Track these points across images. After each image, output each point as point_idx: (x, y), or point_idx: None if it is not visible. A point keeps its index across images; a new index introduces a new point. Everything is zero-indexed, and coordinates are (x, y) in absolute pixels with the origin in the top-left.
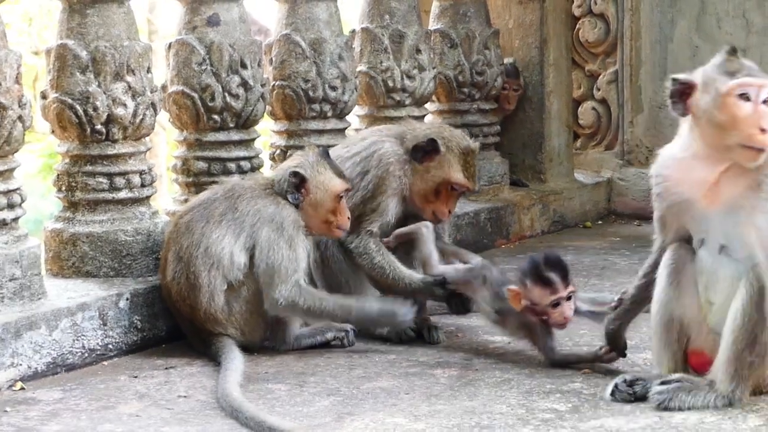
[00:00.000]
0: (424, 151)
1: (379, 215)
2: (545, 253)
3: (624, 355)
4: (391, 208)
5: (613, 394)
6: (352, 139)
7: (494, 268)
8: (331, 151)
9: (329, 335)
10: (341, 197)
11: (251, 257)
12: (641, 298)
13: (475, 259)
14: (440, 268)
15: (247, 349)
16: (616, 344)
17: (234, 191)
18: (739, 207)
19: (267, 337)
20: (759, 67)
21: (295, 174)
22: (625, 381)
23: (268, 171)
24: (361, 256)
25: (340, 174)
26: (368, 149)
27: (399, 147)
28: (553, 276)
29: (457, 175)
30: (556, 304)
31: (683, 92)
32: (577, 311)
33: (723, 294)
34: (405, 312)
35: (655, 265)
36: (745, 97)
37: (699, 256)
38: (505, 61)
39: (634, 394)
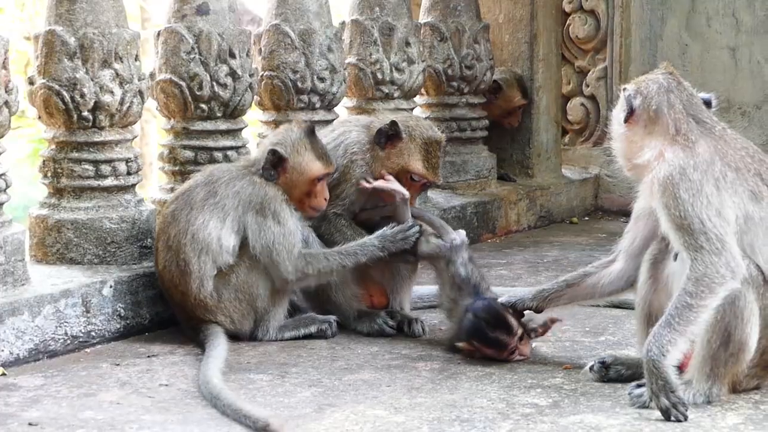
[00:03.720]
0: (387, 137)
1: (342, 200)
2: (481, 309)
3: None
4: (354, 195)
5: (591, 369)
6: (324, 131)
7: (464, 254)
8: None
9: (312, 328)
10: (319, 180)
11: (244, 240)
12: (571, 284)
13: (452, 236)
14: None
15: (237, 337)
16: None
17: (212, 176)
18: None
19: (256, 326)
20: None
21: (274, 152)
22: (602, 363)
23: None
24: (333, 235)
25: (321, 156)
26: (337, 140)
27: (365, 135)
28: (500, 335)
29: (416, 164)
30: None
31: None
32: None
33: None
34: (407, 227)
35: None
36: None
37: (668, 259)
38: (510, 74)
39: (606, 375)
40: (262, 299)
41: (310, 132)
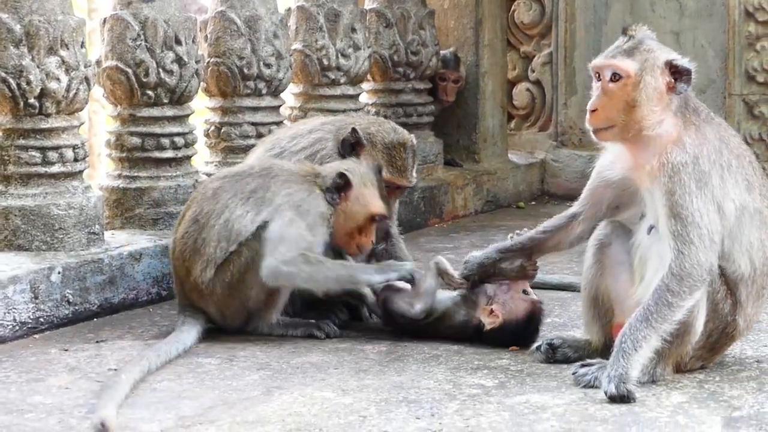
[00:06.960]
0: (351, 145)
1: None
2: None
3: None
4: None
5: (538, 350)
6: (299, 130)
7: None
8: (276, 139)
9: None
10: (375, 220)
11: (257, 230)
12: (529, 246)
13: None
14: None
15: (224, 331)
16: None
17: (271, 170)
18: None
19: (247, 322)
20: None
21: (342, 175)
22: (550, 345)
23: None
24: None
25: (384, 197)
26: (313, 147)
27: (337, 145)
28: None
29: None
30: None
31: None
32: None
33: (654, 270)
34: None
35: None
36: (597, 77)
37: (637, 231)
38: (444, 51)
39: (553, 357)
40: (254, 300)
41: (378, 171)
